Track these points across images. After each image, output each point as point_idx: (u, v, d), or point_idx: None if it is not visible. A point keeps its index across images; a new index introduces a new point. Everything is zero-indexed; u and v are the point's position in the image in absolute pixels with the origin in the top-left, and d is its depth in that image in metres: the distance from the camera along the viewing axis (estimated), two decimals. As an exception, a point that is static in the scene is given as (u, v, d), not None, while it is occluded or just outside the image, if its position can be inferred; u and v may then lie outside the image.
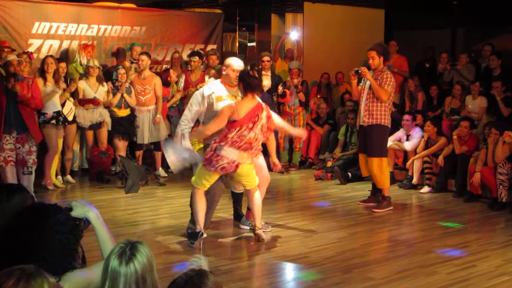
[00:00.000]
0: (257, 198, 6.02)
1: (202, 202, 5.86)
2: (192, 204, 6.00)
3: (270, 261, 5.56)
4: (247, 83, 5.76)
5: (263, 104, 5.90)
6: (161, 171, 9.49)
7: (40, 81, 8.11)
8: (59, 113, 8.36)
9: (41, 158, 8.20)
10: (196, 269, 2.40)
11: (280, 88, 9.31)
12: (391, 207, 7.61)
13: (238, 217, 6.75)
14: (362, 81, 7.62)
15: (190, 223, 6.16)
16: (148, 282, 2.46)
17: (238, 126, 5.65)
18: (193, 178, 5.94)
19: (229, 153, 5.65)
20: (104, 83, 9.06)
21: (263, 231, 6.13)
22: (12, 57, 7.78)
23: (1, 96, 7.49)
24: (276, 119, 6.22)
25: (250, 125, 5.68)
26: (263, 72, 9.62)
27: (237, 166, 5.71)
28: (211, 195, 6.00)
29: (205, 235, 5.80)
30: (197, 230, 5.79)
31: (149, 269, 2.47)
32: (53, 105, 8.26)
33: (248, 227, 6.45)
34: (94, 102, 8.80)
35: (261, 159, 6.28)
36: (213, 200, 6.08)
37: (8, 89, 7.43)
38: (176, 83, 9.68)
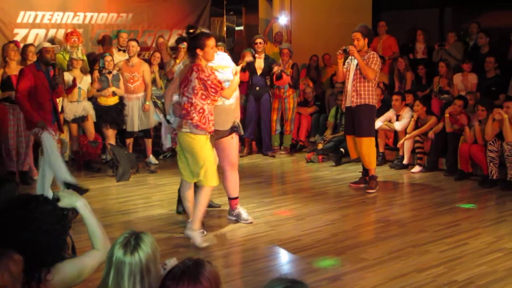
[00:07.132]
0: (204, 197, 5.49)
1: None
2: (204, 203, 5.55)
3: (264, 245, 5.56)
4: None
5: (198, 66, 5.33)
6: (152, 159, 9.43)
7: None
8: None
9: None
10: (194, 258, 2.39)
11: (275, 68, 9.24)
12: (378, 186, 7.67)
13: None
14: (347, 62, 7.60)
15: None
16: (152, 272, 2.49)
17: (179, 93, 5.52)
18: (206, 178, 5.40)
19: (174, 123, 5.52)
20: (88, 74, 8.98)
21: (196, 236, 5.50)
22: (47, 44, 7.22)
23: (46, 84, 6.74)
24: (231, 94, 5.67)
25: (182, 90, 5.42)
26: (257, 55, 9.57)
27: (175, 134, 5.50)
28: None
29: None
30: (201, 230, 5.60)
31: (153, 259, 2.50)
32: None
33: (234, 218, 6.27)
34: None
35: (233, 141, 6.07)
36: None
37: (48, 77, 6.83)
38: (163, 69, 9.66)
